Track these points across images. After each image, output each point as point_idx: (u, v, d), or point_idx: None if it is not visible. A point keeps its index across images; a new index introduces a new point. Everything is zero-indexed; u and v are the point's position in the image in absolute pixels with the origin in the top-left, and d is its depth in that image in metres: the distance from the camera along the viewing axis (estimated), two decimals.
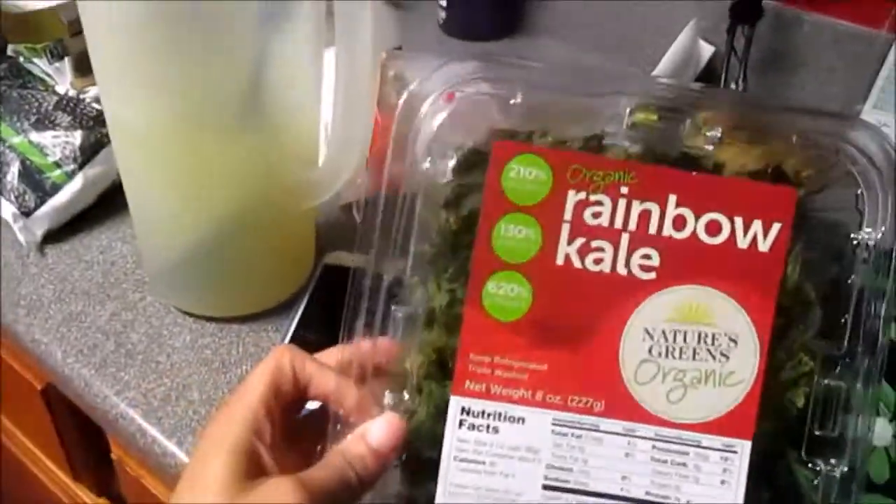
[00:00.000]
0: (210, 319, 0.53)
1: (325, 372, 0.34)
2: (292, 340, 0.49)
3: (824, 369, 0.34)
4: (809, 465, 0.34)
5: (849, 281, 0.34)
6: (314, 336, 0.50)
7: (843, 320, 0.34)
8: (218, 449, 0.32)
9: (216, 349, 0.51)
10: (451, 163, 0.33)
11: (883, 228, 0.33)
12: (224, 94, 0.42)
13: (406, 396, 0.34)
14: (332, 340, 0.47)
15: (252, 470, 0.31)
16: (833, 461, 0.34)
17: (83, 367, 0.50)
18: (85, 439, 0.72)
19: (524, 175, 0.33)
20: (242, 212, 0.47)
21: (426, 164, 0.33)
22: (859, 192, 0.34)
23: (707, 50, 0.76)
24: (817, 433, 0.34)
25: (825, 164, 0.34)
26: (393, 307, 0.34)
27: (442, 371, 0.34)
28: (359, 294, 0.33)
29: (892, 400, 0.40)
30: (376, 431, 0.33)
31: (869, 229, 0.34)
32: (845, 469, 0.33)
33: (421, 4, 0.88)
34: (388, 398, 0.34)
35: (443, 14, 0.85)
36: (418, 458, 0.34)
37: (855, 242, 0.34)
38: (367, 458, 0.33)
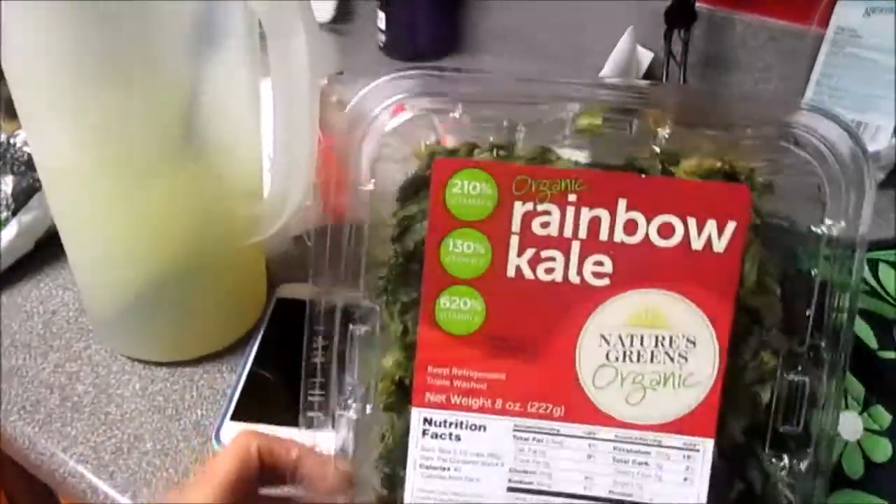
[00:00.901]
0: (160, 364, 0.51)
1: (292, 450, 0.35)
2: (248, 379, 0.48)
3: (787, 365, 0.33)
4: (775, 459, 0.34)
5: (811, 274, 0.33)
6: (271, 374, 0.48)
7: (805, 314, 0.33)
8: None
9: (168, 395, 0.49)
10: (394, 191, 0.33)
11: (843, 221, 0.32)
12: (155, 130, 0.41)
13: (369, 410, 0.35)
14: (289, 377, 0.49)
15: None
16: (798, 455, 0.34)
17: (26, 425, 0.47)
18: (38, 501, 0.67)
19: (468, 190, 0.33)
20: (186, 251, 0.46)
21: (370, 187, 0.33)
22: (819, 182, 0.32)
23: (646, 56, 0.76)
24: (781, 429, 0.34)
25: (781, 156, 0.32)
26: (351, 326, 0.34)
27: (403, 398, 0.35)
28: (316, 316, 0.34)
29: (861, 394, 0.39)
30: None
31: (830, 221, 0.32)
32: (810, 463, 0.33)
33: (359, 28, 0.88)
34: (352, 412, 0.35)
35: (382, 37, 0.85)
36: (393, 475, 0.36)
37: (817, 234, 0.33)
38: None
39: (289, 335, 0.50)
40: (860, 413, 0.39)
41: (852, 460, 0.40)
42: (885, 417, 0.41)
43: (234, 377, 0.49)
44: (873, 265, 0.44)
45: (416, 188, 0.34)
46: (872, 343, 0.42)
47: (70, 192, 0.44)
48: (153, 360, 0.51)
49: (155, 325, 0.49)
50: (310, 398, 0.34)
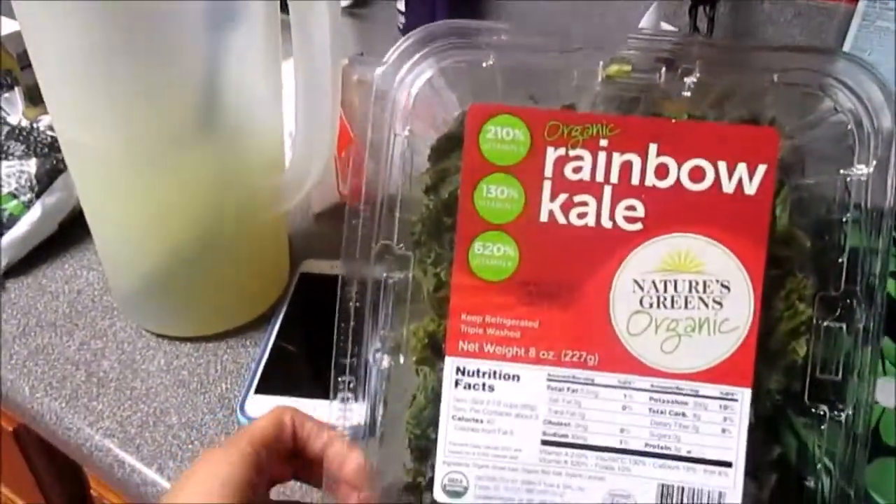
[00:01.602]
0: (185, 340, 0.51)
1: (323, 431, 0.36)
2: (272, 353, 0.48)
3: (823, 311, 0.33)
4: (813, 410, 0.33)
5: (843, 220, 0.33)
6: (295, 347, 0.49)
7: (839, 260, 0.33)
8: (214, 480, 0.32)
9: (193, 370, 0.49)
10: (427, 152, 0.34)
11: (873, 168, 0.32)
12: (178, 106, 0.41)
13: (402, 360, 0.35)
14: (313, 350, 0.49)
15: None
16: (838, 406, 0.33)
17: (53, 401, 0.48)
18: (63, 480, 0.70)
19: (501, 135, 0.34)
20: (209, 226, 0.46)
21: (405, 133, 0.34)
22: (849, 127, 0.33)
23: None
24: (819, 377, 0.33)
25: (810, 102, 0.33)
26: (385, 274, 0.35)
27: (436, 355, 0.35)
28: (350, 261, 0.34)
29: None
30: None
31: (861, 166, 0.33)
32: (850, 413, 0.33)
33: (379, 12, 0.89)
34: (385, 362, 0.35)
35: (402, 19, 0.86)
36: (424, 439, 0.35)
37: (847, 180, 0.33)
38: None
39: (313, 309, 0.50)
40: None
41: (889, 427, 0.39)
42: None
43: (257, 351, 0.49)
44: None
45: (449, 147, 0.35)
46: None
47: (95, 168, 0.44)
48: (177, 335, 0.51)
49: (178, 301, 0.49)
50: (341, 345, 0.34)
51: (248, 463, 0.33)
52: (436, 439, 0.34)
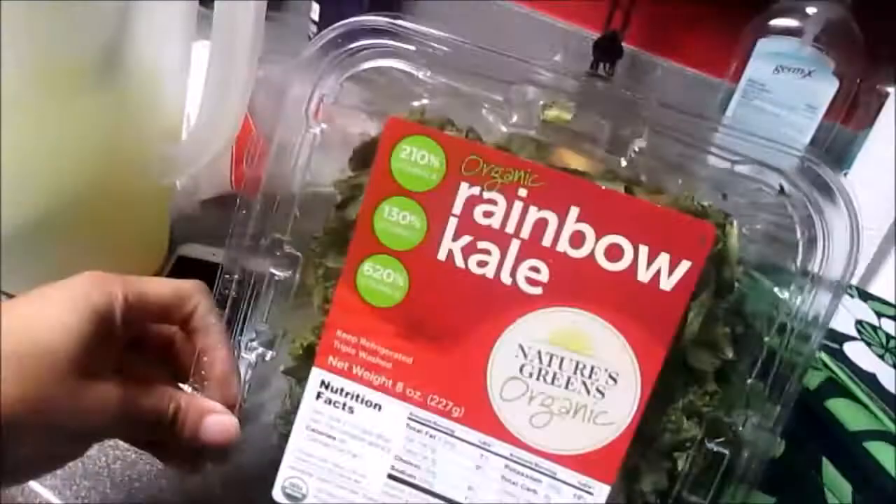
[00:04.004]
0: None
1: (217, 335, 0.32)
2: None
3: (710, 432, 0.30)
4: None
5: (762, 340, 0.29)
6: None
7: (745, 382, 0.30)
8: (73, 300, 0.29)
9: None
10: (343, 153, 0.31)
11: (812, 289, 0.28)
12: (83, 46, 0.37)
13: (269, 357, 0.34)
14: None
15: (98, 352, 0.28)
16: None
17: None
18: None
19: (416, 157, 0.30)
20: (89, 185, 0.42)
21: (317, 130, 0.31)
22: (798, 238, 0.28)
23: None
24: (686, 497, 0.30)
25: (762, 202, 0.28)
26: (271, 268, 0.33)
27: (307, 367, 0.33)
28: (235, 247, 0.33)
29: (848, 494, 0.34)
30: (211, 429, 0.31)
31: (798, 286, 0.28)
32: None
33: (291, 18, 0.86)
34: (253, 356, 0.34)
35: (314, 28, 0.82)
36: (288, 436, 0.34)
37: (782, 297, 0.29)
38: (191, 436, 0.31)
39: None
40: None
41: None
42: None
43: None
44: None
45: (370, 155, 0.32)
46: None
47: None
48: None
49: (42, 266, 0.43)
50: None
51: (103, 319, 0.28)
52: None
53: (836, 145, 0.69)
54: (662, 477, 0.32)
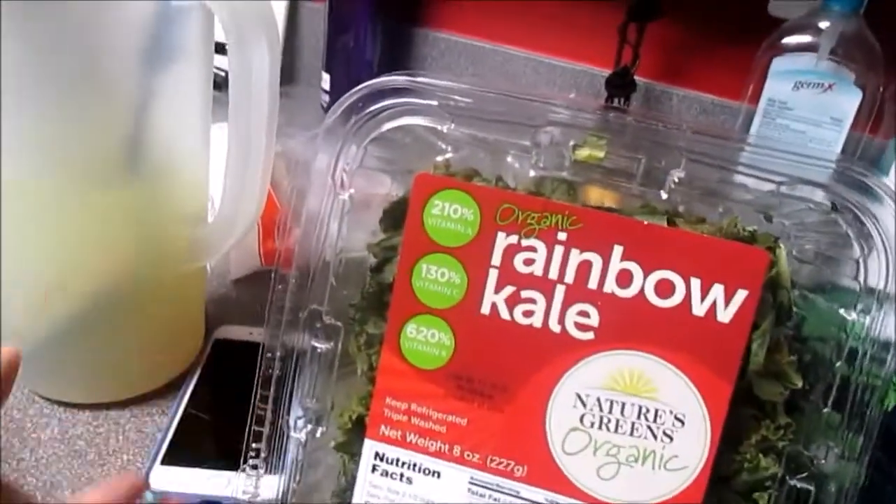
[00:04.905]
0: (83, 407, 0.45)
1: None
2: (182, 421, 0.44)
3: (791, 469, 0.28)
4: None
5: (833, 364, 0.28)
6: (208, 416, 0.44)
7: (820, 411, 0.28)
8: None
9: (91, 439, 0.44)
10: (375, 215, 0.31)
11: (880, 309, 0.26)
12: (103, 144, 0.37)
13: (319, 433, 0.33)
14: (227, 419, 0.43)
15: None
16: None
17: None
18: None
19: (448, 212, 0.30)
20: (119, 278, 0.41)
21: (346, 196, 0.31)
22: (857, 258, 0.27)
23: None
24: None
25: (814, 224, 0.27)
26: (313, 341, 0.32)
27: (358, 440, 0.32)
28: (274, 325, 0.32)
29: None
30: None
31: (863, 305, 0.27)
32: None
33: (302, 91, 0.87)
34: (303, 434, 0.33)
35: (326, 98, 0.84)
36: None
37: (849, 319, 0.27)
38: None
39: (228, 377, 0.46)
40: None
41: None
42: None
43: (165, 420, 0.45)
44: None
45: (401, 215, 0.32)
46: None
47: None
48: (75, 401, 0.46)
49: (79, 364, 0.44)
50: (259, 413, 0.32)
51: None
52: None
53: (865, 156, 0.68)
54: None
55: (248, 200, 0.41)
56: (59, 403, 0.46)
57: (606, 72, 0.75)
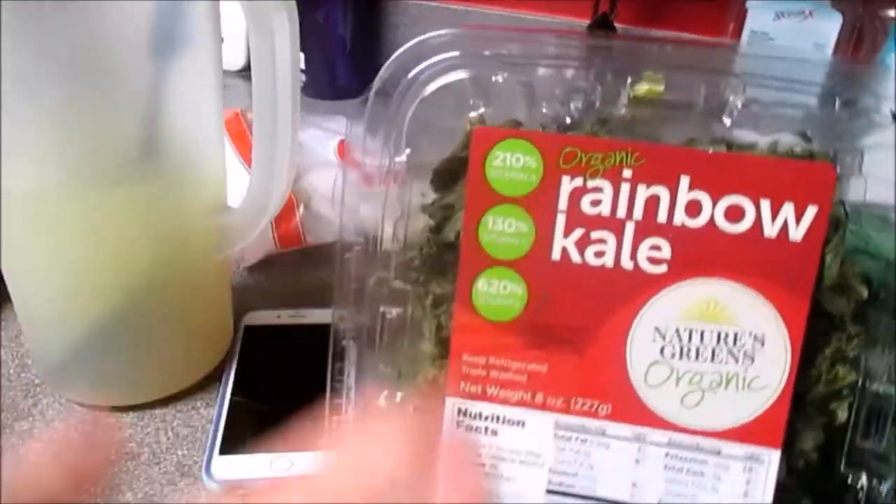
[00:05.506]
0: (125, 409, 0.45)
1: None
2: (230, 410, 0.44)
3: (871, 375, 0.29)
4: (851, 477, 0.30)
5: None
6: (255, 401, 0.44)
7: (890, 320, 0.29)
8: None
9: (141, 440, 0.43)
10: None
11: None
12: (111, 144, 0.36)
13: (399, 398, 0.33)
14: (276, 402, 0.44)
15: None
16: (878, 474, 0.29)
17: None
18: None
19: (510, 162, 0.30)
20: (149, 275, 0.41)
21: (403, 157, 0.30)
22: None
23: None
24: (860, 444, 0.30)
25: (878, 135, 0.28)
26: (381, 308, 0.32)
27: (436, 401, 0.32)
28: (343, 295, 0.32)
29: None
30: None
31: None
32: (892, 486, 0.29)
33: None
34: (382, 400, 0.33)
35: (302, 77, 0.85)
36: None
37: None
38: None
39: (266, 361, 0.47)
40: None
41: None
42: None
43: (211, 412, 0.45)
44: None
45: (454, 173, 0.32)
46: None
47: (18, 219, 0.39)
48: (117, 405, 0.46)
49: (117, 366, 0.44)
50: (336, 386, 0.32)
51: None
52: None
53: None
54: (820, 433, 0.31)
55: (278, 181, 0.41)
56: (101, 409, 0.45)
57: (586, 22, 0.75)
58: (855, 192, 0.29)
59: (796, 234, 0.28)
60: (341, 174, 0.30)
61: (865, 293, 0.30)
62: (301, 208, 0.56)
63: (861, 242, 0.31)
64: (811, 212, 0.28)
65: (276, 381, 0.46)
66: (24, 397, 0.46)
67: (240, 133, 0.57)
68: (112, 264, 0.40)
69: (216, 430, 0.42)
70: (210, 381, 0.47)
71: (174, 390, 0.46)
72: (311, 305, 0.51)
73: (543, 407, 0.31)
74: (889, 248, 0.30)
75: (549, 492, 0.32)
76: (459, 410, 0.32)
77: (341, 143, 0.61)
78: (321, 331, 0.48)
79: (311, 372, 0.45)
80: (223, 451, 0.41)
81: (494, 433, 0.32)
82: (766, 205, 0.28)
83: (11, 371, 0.48)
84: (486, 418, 0.32)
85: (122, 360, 0.44)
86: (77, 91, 0.35)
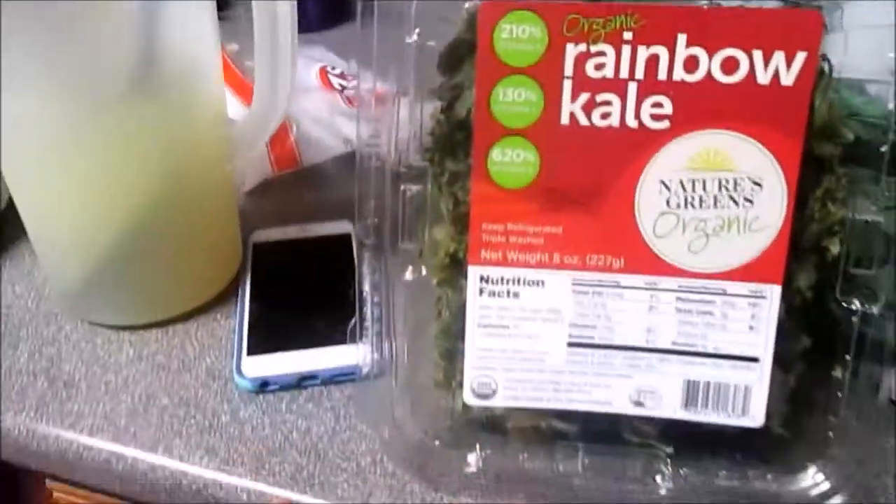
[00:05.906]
0: (148, 326, 0.46)
1: None
2: (252, 316, 0.45)
3: (861, 205, 0.32)
4: (844, 304, 0.33)
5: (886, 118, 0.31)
6: (274, 307, 0.46)
7: (881, 150, 0.31)
8: None
9: (169, 352, 0.45)
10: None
11: None
12: (114, 59, 0.37)
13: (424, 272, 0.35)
14: (295, 305, 0.47)
15: None
16: (870, 299, 0.32)
17: (17, 415, 0.42)
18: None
19: (517, 34, 0.31)
20: (161, 193, 0.42)
21: (413, 38, 0.32)
22: None
23: None
24: (853, 271, 0.32)
25: None
26: (402, 186, 0.34)
27: (457, 273, 0.34)
28: (364, 173, 0.33)
29: None
30: None
31: None
32: (884, 306, 0.32)
33: (241, 13, 0.86)
34: (408, 275, 0.35)
35: None
36: (453, 349, 0.35)
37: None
38: None
39: (279, 273, 0.49)
40: None
41: None
42: None
43: (231, 323, 0.46)
44: None
45: (460, 54, 0.33)
46: None
47: (25, 147, 0.39)
48: (139, 323, 0.47)
49: (135, 286, 0.45)
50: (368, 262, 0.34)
51: None
52: (463, 349, 0.35)
53: None
54: (813, 272, 0.33)
55: (281, 91, 0.42)
56: (124, 328, 0.47)
57: None
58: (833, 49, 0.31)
59: (787, 79, 0.31)
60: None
61: (851, 136, 0.32)
62: (295, 129, 0.57)
63: (843, 108, 0.33)
64: (800, 57, 0.30)
65: (289, 289, 0.48)
66: (46, 325, 0.47)
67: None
68: (122, 182, 0.41)
69: (241, 335, 0.44)
70: (224, 297, 0.48)
71: (192, 306, 0.48)
72: (314, 222, 0.52)
73: (561, 266, 0.34)
74: (872, 111, 0.32)
75: (571, 345, 0.34)
76: (482, 278, 0.34)
77: (322, 69, 0.61)
78: (327, 241, 0.50)
79: (321, 278, 0.47)
80: (250, 353, 0.43)
81: (516, 295, 0.34)
82: (758, 55, 0.30)
83: (30, 303, 0.49)
84: (508, 282, 0.34)
85: (139, 280, 0.45)
86: (74, 8, 0.35)
